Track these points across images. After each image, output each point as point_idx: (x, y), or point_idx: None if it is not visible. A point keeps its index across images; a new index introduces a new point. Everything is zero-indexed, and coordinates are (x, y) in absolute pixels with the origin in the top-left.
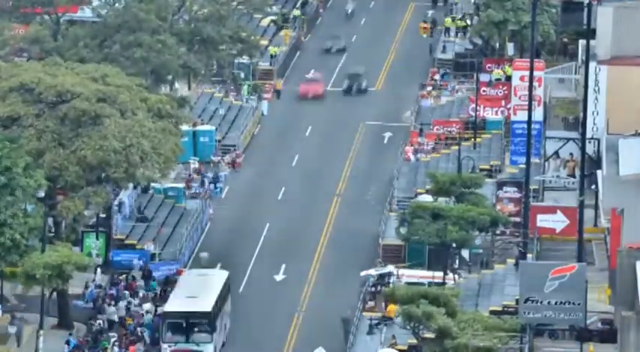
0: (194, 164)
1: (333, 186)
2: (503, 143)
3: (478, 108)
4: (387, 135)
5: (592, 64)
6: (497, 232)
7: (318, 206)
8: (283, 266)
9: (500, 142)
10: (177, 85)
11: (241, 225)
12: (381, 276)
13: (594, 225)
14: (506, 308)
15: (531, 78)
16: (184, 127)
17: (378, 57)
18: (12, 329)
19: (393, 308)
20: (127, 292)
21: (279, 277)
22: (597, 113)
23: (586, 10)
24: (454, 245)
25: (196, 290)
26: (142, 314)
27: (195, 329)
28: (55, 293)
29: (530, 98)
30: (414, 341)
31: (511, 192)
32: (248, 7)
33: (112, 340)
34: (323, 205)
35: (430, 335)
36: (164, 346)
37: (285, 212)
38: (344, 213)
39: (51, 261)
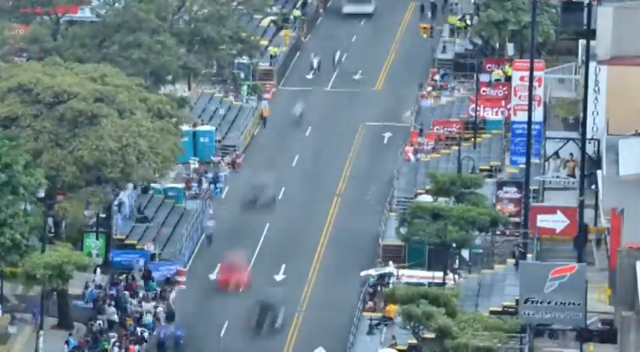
0: (194, 164)
1: (333, 186)
2: (503, 143)
3: (478, 108)
4: (387, 135)
5: (592, 64)
6: (498, 232)
7: (318, 206)
8: (283, 266)
9: (500, 142)
10: (176, 85)
11: (241, 225)
12: (381, 276)
13: (594, 225)
14: (506, 309)
15: (531, 78)
16: (184, 127)
17: (378, 57)
18: (12, 329)
19: (393, 308)
20: (127, 292)
21: (279, 277)
22: (597, 113)
23: (586, 10)
24: (454, 245)
25: None
26: (142, 314)
27: None
28: (55, 293)
29: (530, 98)
30: (414, 341)
31: (511, 192)
32: (248, 8)
33: (112, 340)
34: (323, 205)
35: (430, 335)
36: None
37: (285, 212)
38: (344, 213)
39: (51, 260)
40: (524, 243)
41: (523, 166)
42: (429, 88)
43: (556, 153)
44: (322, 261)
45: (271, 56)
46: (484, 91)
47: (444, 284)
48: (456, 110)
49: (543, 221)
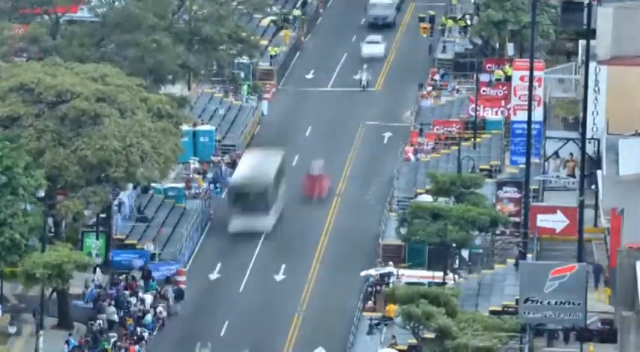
0: (194, 164)
1: (333, 186)
2: (503, 143)
3: (478, 108)
4: (387, 135)
5: (592, 64)
6: (497, 232)
7: (318, 206)
8: (283, 266)
9: (500, 142)
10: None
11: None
12: (381, 276)
13: (594, 225)
14: (506, 308)
15: (531, 78)
16: (184, 127)
17: (378, 57)
18: (12, 329)
19: (392, 308)
20: (127, 292)
21: (279, 277)
22: (597, 113)
23: (586, 10)
24: (454, 245)
25: None
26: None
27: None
28: (55, 293)
29: (530, 98)
30: (414, 341)
31: (511, 192)
32: (248, 7)
33: (112, 340)
34: (323, 205)
35: (430, 335)
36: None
37: (285, 212)
38: (344, 213)
39: (51, 260)
40: (524, 243)
41: (523, 166)
42: (429, 88)
43: (556, 153)
44: (322, 261)
45: (271, 56)
46: (484, 91)
47: (443, 284)
48: (456, 110)
49: (543, 221)
